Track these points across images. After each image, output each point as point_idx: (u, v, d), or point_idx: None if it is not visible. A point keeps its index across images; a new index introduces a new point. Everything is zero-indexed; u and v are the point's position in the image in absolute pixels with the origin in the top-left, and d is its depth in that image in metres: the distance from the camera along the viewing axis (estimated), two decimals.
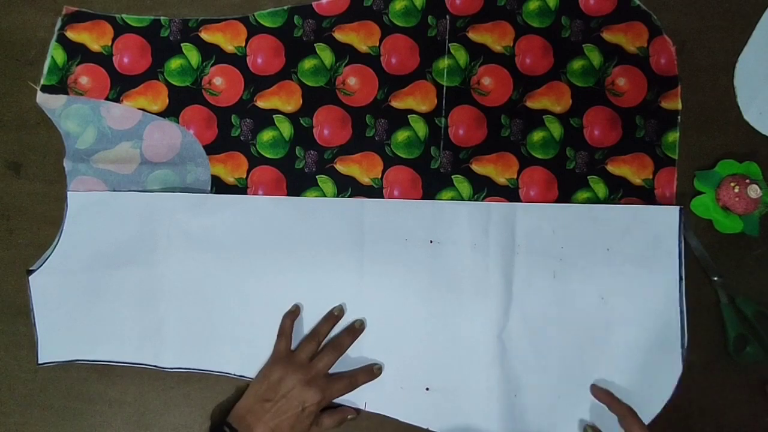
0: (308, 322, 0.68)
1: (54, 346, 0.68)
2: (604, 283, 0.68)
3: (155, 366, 0.67)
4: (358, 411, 0.67)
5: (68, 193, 0.68)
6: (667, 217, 0.68)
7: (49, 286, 0.68)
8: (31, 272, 0.68)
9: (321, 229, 0.68)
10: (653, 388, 0.67)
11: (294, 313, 0.67)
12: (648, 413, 0.66)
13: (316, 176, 0.69)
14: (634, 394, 0.66)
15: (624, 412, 0.64)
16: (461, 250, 0.68)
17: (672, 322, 0.67)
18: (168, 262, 0.68)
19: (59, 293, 0.67)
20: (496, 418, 0.67)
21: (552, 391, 0.67)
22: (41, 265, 0.68)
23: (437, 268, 0.68)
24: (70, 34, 0.70)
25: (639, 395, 0.66)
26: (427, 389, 0.67)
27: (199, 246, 0.68)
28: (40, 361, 0.68)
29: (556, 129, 0.69)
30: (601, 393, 0.66)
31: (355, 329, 0.67)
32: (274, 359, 0.65)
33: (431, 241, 0.68)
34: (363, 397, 0.67)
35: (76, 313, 0.68)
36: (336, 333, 0.68)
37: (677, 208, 0.68)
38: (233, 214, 0.68)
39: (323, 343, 0.67)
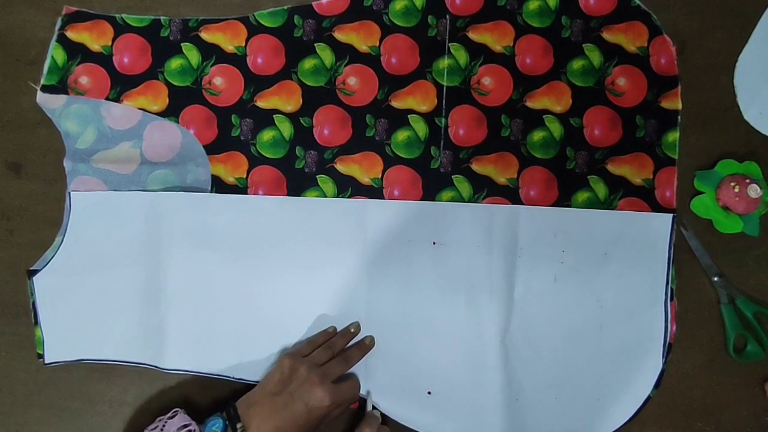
0: (309, 323, 0.68)
1: (60, 345, 0.67)
2: (600, 287, 0.68)
3: (156, 367, 0.67)
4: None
5: (71, 192, 0.68)
6: (661, 223, 0.68)
7: (53, 286, 0.67)
8: (31, 272, 0.68)
9: (324, 230, 0.68)
10: (636, 385, 0.67)
11: (330, 333, 0.67)
12: (629, 408, 0.67)
13: (317, 176, 0.69)
14: (619, 391, 0.67)
15: None
16: (464, 251, 0.68)
17: (656, 322, 0.68)
18: (171, 262, 0.68)
19: (64, 293, 0.67)
20: (498, 422, 0.67)
21: (549, 393, 0.67)
22: (44, 266, 0.68)
23: (440, 269, 0.68)
24: (70, 34, 0.70)
25: (623, 392, 0.67)
26: (429, 393, 0.67)
27: (201, 246, 0.68)
28: (46, 361, 0.67)
29: (556, 129, 0.69)
30: None
31: (365, 345, 0.67)
32: (290, 354, 0.64)
33: (434, 243, 0.68)
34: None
35: (82, 312, 0.67)
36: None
37: (670, 215, 0.68)
38: (236, 214, 0.68)
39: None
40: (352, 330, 0.67)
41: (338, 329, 0.68)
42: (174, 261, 0.68)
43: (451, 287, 0.68)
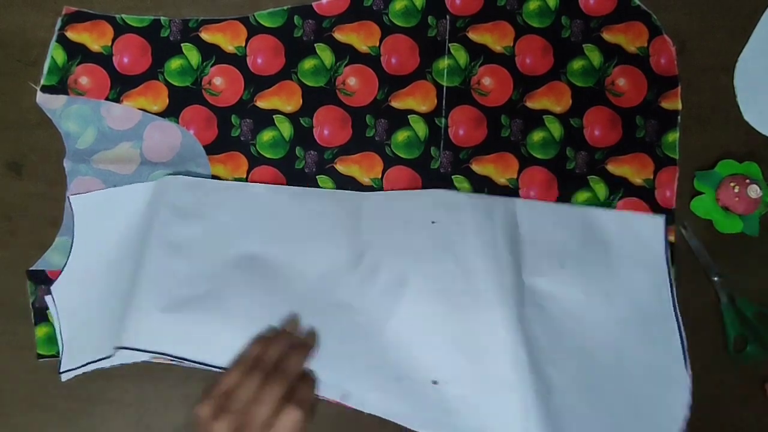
0: (304, 308, 0.63)
1: (79, 351, 0.66)
2: (605, 283, 0.66)
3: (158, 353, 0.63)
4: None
5: (70, 196, 0.68)
6: (653, 225, 0.68)
7: (71, 295, 0.66)
8: (31, 272, 0.68)
9: (318, 217, 0.67)
10: (666, 406, 0.65)
11: (261, 343, 0.59)
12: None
13: (317, 176, 0.69)
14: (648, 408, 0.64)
15: None
16: (464, 229, 0.65)
17: (669, 323, 0.66)
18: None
19: (81, 300, 0.66)
20: (515, 403, 0.60)
21: (571, 366, 0.63)
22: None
23: (440, 247, 0.64)
24: (70, 35, 0.70)
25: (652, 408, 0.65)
26: (435, 383, 0.61)
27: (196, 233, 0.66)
28: (62, 369, 0.66)
29: (556, 129, 0.69)
30: None
31: (307, 346, 0.60)
32: (240, 362, 0.57)
33: (433, 222, 0.66)
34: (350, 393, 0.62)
35: (99, 314, 0.66)
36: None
37: (662, 216, 0.68)
38: (231, 202, 0.67)
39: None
40: (288, 331, 0.60)
41: (334, 311, 0.63)
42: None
43: (450, 267, 0.63)
